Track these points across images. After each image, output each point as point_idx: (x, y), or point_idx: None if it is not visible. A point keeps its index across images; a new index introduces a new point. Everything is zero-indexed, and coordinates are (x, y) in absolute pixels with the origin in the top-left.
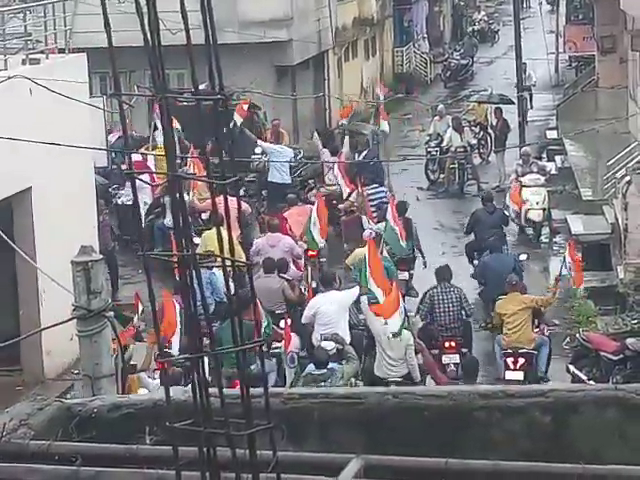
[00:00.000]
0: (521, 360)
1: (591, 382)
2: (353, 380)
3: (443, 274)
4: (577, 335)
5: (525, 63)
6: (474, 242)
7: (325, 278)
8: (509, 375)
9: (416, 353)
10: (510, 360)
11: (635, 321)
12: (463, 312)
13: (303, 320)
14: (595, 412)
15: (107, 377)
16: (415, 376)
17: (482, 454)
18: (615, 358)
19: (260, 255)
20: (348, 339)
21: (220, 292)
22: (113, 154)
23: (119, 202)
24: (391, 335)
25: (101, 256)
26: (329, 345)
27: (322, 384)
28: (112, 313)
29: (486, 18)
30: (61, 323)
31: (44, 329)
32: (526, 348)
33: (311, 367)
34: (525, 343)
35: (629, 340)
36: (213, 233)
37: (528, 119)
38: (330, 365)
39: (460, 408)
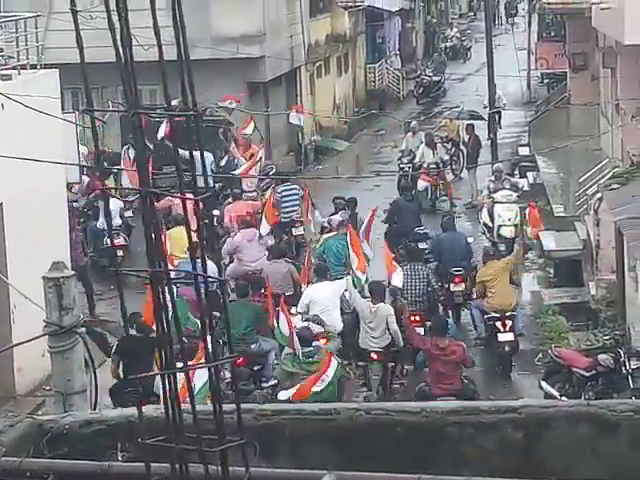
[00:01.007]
0: (509, 322)
1: (563, 398)
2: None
3: (414, 254)
4: (549, 351)
5: (495, 84)
6: (395, 229)
7: (319, 269)
8: (501, 337)
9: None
10: (499, 323)
11: (607, 337)
12: (429, 288)
13: (298, 309)
14: (567, 428)
15: (79, 393)
16: (398, 342)
17: (454, 470)
18: (587, 374)
19: (239, 252)
20: (340, 324)
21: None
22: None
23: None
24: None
25: (73, 272)
26: (313, 326)
27: (309, 359)
28: (84, 329)
29: (458, 35)
30: (33, 339)
31: (15, 345)
32: (510, 310)
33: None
34: (508, 304)
35: (601, 356)
36: (177, 232)
37: (498, 138)
38: (314, 343)
39: (432, 424)
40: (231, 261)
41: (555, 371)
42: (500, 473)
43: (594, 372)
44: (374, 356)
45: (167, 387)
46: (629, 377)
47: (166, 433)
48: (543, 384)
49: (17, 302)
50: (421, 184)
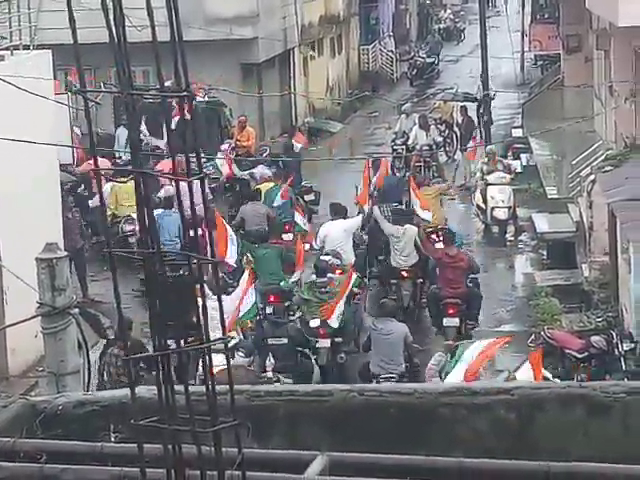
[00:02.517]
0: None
1: (556, 380)
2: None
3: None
4: (542, 333)
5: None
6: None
7: (334, 208)
8: (446, 322)
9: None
10: (434, 236)
11: (600, 319)
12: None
13: (316, 245)
14: (560, 410)
15: (72, 374)
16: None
17: (447, 451)
18: (580, 356)
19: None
20: (353, 258)
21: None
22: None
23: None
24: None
25: (66, 253)
26: (328, 258)
27: (323, 289)
28: (77, 310)
29: (452, 16)
30: (25, 320)
31: (8, 326)
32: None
33: (313, 277)
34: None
35: (594, 338)
36: (128, 187)
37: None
38: (329, 275)
39: (425, 405)
40: None
41: (548, 353)
42: (493, 454)
43: (587, 354)
44: (404, 274)
45: (160, 368)
46: (621, 359)
47: (159, 414)
48: None
49: (10, 283)
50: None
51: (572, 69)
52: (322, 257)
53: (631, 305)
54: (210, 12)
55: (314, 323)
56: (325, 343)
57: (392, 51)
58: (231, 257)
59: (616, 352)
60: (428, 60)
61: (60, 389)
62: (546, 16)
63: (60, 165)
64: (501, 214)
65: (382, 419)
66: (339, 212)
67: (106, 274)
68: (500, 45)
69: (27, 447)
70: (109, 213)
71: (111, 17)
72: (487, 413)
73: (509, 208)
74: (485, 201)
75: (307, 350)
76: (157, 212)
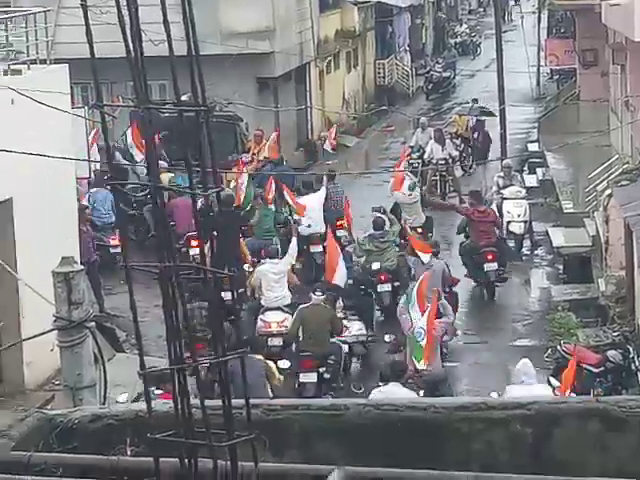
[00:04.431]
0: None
1: (572, 394)
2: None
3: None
4: (558, 347)
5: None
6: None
7: (305, 183)
8: (487, 267)
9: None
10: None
11: (616, 333)
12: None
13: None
14: (576, 424)
15: (88, 388)
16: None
17: (463, 466)
18: (596, 370)
19: None
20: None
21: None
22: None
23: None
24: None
25: (82, 267)
26: (380, 214)
27: (381, 239)
28: (93, 323)
29: (468, 31)
30: (42, 334)
31: (25, 340)
32: None
33: (370, 230)
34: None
35: (610, 352)
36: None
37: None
38: (385, 228)
39: (441, 420)
40: None
41: (564, 367)
42: (509, 469)
43: (603, 368)
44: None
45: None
46: (638, 373)
47: (175, 428)
48: (552, 380)
49: (26, 297)
50: None
51: (588, 83)
52: (377, 214)
53: None
54: (226, 27)
55: (375, 266)
56: (386, 287)
57: (408, 65)
58: (340, 279)
59: (632, 367)
60: (444, 74)
61: (76, 402)
62: (562, 30)
63: (77, 179)
64: (517, 228)
65: (398, 433)
66: (308, 186)
67: (122, 287)
68: (516, 59)
69: (43, 461)
70: None
71: (128, 31)
72: (503, 428)
73: (525, 222)
74: (501, 215)
75: (370, 290)
76: (91, 190)
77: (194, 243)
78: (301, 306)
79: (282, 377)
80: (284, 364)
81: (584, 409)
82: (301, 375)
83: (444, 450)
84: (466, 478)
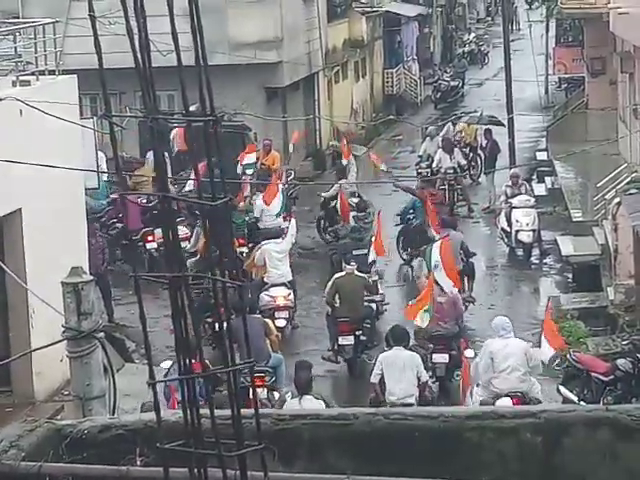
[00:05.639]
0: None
1: (582, 403)
2: None
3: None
4: (568, 356)
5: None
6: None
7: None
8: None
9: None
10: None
11: (626, 342)
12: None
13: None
14: (586, 433)
15: (98, 398)
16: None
17: (473, 475)
18: (606, 379)
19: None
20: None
21: None
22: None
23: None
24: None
25: (91, 277)
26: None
27: (366, 220)
28: (102, 334)
29: (476, 40)
30: (52, 344)
31: (34, 350)
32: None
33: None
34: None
35: (620, 361)
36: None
37: (516, 143)
38: (368, 210)
39: (451, 429)
40: None
41: (574, 376)
42: (519, 478)
43: (613, 377)
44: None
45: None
46: None
47: (185, 438)
48: (562, 389)
49: (36, 307)
50: None
51: (596, 92)
52: (352, 199)
53: None
54: (235, 37)
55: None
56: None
57: (416, 74)
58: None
59: None
60: (452, 83)
61: (86, 413)
62: (570, 39)
63: (86, 189)
64: (526, 237)
65: (407, 442)
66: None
67: (131, 297)
68: (524, 68)
69: (53, 471)
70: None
71: (136, 42)
72: (513, 436)
73: (534, 231)
74: (510, 224)
75: None
76: None
77: (150, 238)
78: (336, 275)
79: (279, 334)
80: (280, 322)
81: (594, 418)
82: (340, 338)
83: (454, 459)
84: None
